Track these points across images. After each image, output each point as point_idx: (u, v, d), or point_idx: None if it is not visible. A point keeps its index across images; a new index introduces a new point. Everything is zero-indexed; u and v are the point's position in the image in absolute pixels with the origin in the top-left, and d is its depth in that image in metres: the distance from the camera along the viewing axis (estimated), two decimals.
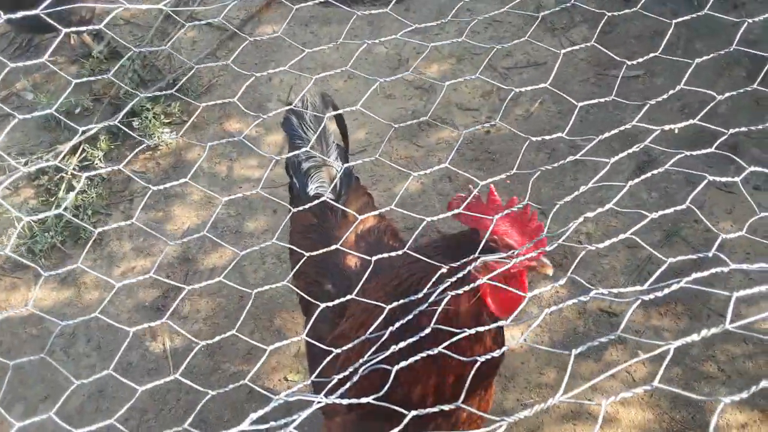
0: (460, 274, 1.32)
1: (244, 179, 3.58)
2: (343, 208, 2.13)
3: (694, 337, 0.79)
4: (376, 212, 1.58)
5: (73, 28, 3.22)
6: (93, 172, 1.31)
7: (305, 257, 1.51)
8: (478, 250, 1.34)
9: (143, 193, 3.60)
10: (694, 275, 0.92)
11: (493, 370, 1.69)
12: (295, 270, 1.66)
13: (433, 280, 1.38)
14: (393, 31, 4.18)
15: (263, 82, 3.94)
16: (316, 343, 1.42)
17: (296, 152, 2.18)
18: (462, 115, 3.74)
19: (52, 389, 2.90)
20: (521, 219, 1.45)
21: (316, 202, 1.67)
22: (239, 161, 3.65)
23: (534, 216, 1.45)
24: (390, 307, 1.28)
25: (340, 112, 2.25)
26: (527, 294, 1.22)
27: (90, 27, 3.99)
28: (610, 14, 1.60)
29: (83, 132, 3.47)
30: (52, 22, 1.50)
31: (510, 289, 1.35)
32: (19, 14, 1.32)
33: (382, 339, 1.27)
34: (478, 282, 1.35)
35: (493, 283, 1.40)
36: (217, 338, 1.18)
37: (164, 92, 2.07)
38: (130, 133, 1.81)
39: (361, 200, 2.29)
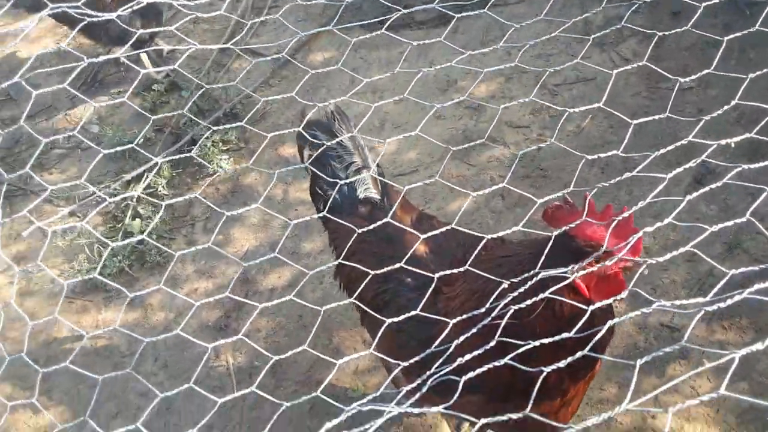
0: (564, 281, 1.45)
1: (299, 201, 3.67)
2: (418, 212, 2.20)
3: (759, 345, 0.81)
4: (437, 232, 1.63)
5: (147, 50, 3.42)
6: (170, 200, 1.40)
7: (397, 265, 1.60)
8: (575, 254, 1.51)
9: (203, 217, 3.74)
10: (757, 286, 0.94)
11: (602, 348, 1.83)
12: (366, 282, 1.73)
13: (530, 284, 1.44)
14: (441, 52, 4.25)
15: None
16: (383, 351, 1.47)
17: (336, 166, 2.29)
18: (512, 132, 3.76)
19: (123, 405, 3.02)
20: (618, 223, 1.51)
21: (391, 218, 1.72)
22: (294, 184, 3.76)
23: (630, 219, 1.51)
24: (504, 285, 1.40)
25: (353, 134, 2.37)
26: (625, 291, 1.38)
27: (163, 68, 4.27)
28: (660, 34, 1.62)
29: (155, 162, 3.65)
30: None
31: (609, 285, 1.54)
32: (101, 59, 1.43)
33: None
34: (572, 278, 1.44)
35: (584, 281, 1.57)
36: (290, 353, 1.24)
37: (236, 125, 2.21)
38: (196, 158, 1.91)
39: (399, 194, 2.30)
